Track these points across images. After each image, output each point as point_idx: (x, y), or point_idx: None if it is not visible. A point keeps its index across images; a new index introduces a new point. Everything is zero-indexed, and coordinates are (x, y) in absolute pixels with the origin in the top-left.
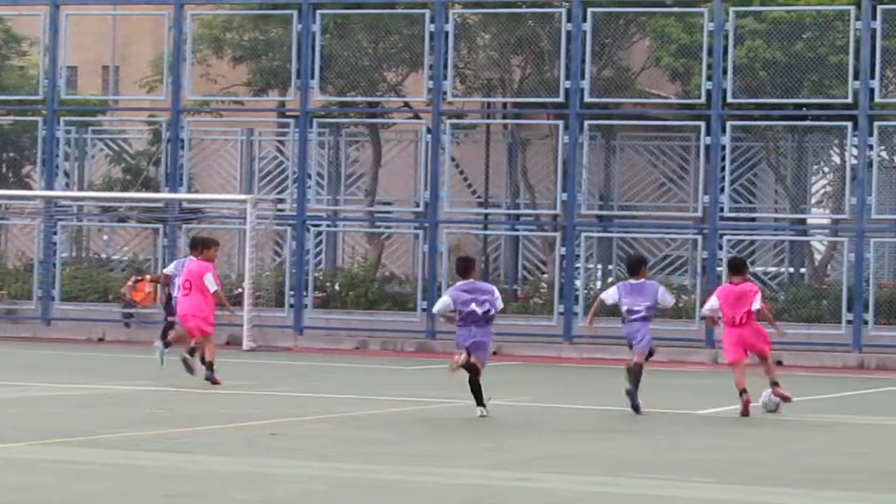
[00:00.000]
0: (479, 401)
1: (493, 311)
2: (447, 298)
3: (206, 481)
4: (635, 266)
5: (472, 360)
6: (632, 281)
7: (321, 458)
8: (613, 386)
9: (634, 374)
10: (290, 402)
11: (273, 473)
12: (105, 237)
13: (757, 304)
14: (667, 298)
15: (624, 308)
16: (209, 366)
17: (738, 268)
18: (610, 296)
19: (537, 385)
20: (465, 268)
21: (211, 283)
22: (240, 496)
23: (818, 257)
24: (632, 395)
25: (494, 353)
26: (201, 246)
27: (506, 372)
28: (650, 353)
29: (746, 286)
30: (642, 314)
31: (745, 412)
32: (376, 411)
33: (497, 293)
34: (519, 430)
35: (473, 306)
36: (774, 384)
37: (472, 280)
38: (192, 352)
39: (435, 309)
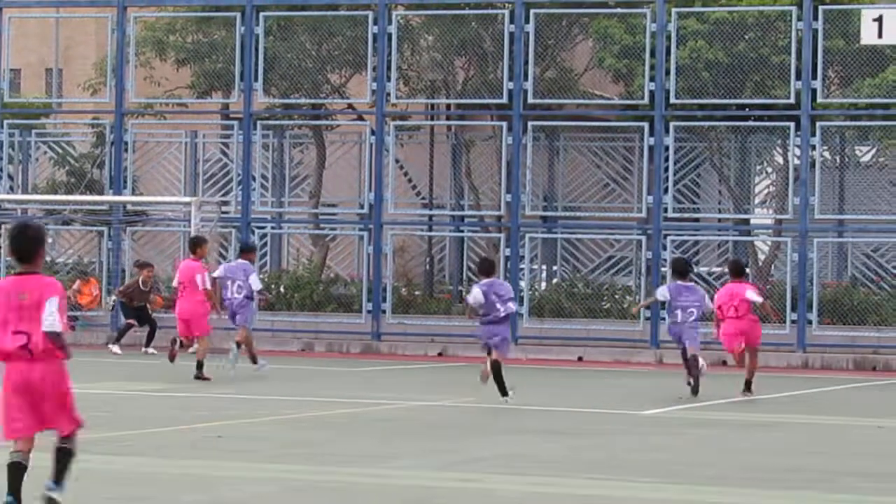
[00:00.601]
0: (503, 391)
1: (512, 312)
2: (479, 292)
3: (153, 484)
4: (683, 268)
5: (495, 355)
6: (680, 282)
7: (269, 460)
8: (557, 387)
9: (694, 367)
10: (236, 404)
11: (220, 476)
12: (49, 240)
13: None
14: (710, 304)
15: (677, 308)
16: (199, 365)
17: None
18: (662, 293)
19: (482, 386)
20: (488, 268)
21: (199, 282)
22: (187, 498)
23: (762, 257)
24: (696, 379)
25: (439, 354)
26: (193, 245)
27: (451, 373)
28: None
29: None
30: (694, 315)
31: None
32: (323, 413)
33: (512, 294)
34: (465, 432)
35: (498, 306)
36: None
37: (493, 279)
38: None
39: (470, 299)
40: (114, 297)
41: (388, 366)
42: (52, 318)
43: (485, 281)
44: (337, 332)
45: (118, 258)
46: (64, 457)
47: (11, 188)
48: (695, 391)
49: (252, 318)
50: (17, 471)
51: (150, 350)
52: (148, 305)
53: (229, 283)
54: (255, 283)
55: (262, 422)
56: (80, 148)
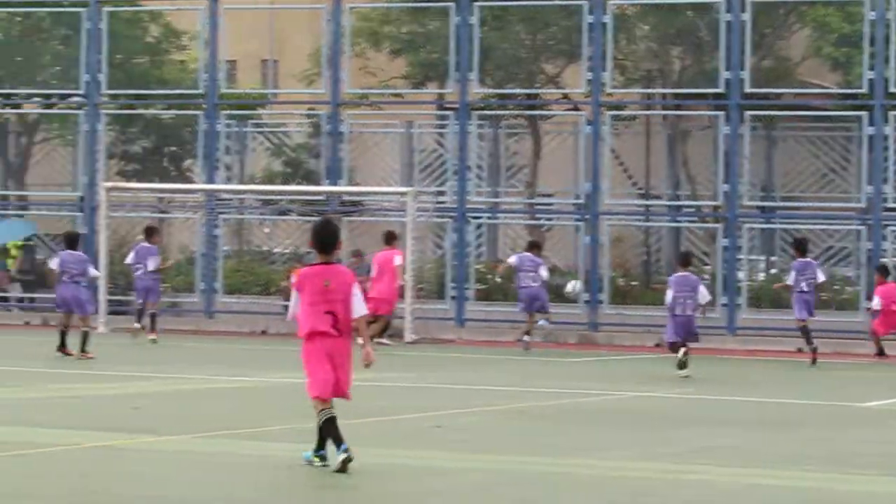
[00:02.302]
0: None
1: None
2: (671, 295)
3: (367, 474)
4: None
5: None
6: None
7: (482, 451)
8: (776, 378)
9: None
10: (451, 394)
11: (433, 466)
12: (266, 230)
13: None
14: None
15: None
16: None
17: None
18: None
19: (699, 377)
20: (684, 260)
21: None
22: (397, 488)
23: None
24: None
25: (656, 346)
26: (389, 238)
27: (667, 364)
28: None
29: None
30: None
31: None
32: (537, 403)
33: (702, 288)
34: (679, 423)
35: (680, 302)
36: None
37: (684, 275)
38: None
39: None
40: None
41: (605, 356)
42: (360, 304)
43: (677, 275)
44: (553, 323)
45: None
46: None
47: (228, 178)
48: None
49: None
50: (334, 422)
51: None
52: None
53: (521, 273)
54: (544, 273)
55: (476, 412)
56: (296, 138)
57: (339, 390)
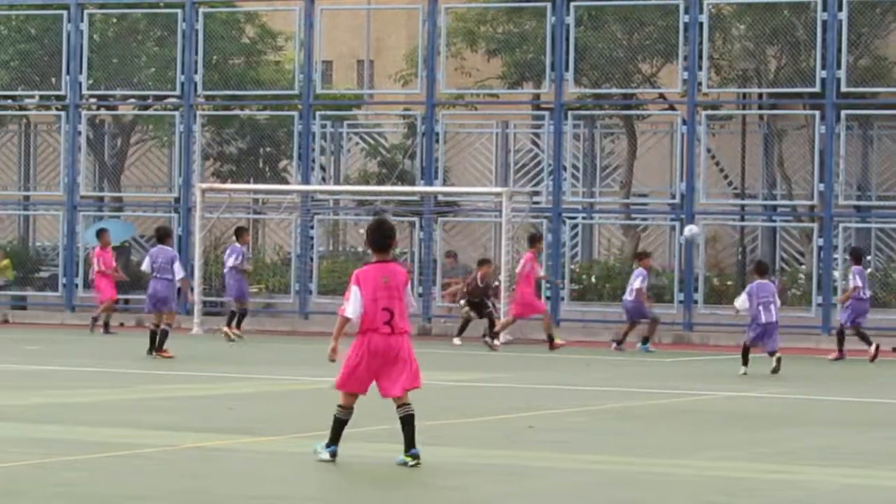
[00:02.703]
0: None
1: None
2: (744, 297)
3: (464, 474)
4: None
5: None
6: None
7: (580, 451)
8: (873, 378)
9: None
10: (545, 394)
11: (526, 466)
12: (361, 231)
13: None
14: None
15: None
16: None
17: None
18: None
19: (794, 377)
20: (762, 269)
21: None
22: (499, 489)
23: None
24: None
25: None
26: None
27: (763, 364)
28: None
29: None
30: None
31: None
32: (631, 403)
33: (772, 297)
34: (774, 423)
35: (760, 309)
36: None
37: (762, 282)
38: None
39: (737, 304)
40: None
41: (699, 356)
42: (412, 301)
43: (757, 283)
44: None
45: (430, 249)
46: (411, 420)
47: (324, 179)
48: None
49: None
50: (343, 425)
51: (495, 342)
52: (484, 300)
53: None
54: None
55: (572, 412)
56: (391, 139)
57: (387, 391)
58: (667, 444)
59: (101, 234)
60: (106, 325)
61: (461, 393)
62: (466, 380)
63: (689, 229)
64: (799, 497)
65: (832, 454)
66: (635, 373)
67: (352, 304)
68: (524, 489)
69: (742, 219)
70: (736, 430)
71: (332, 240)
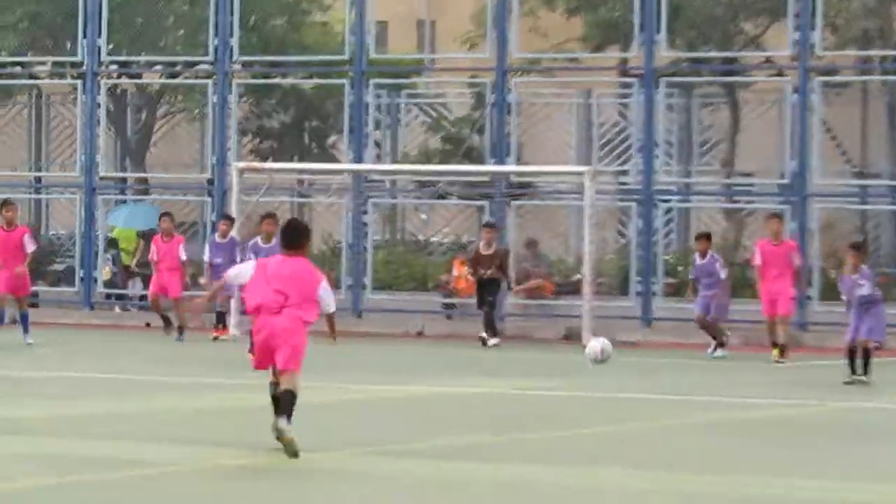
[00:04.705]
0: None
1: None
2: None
3: (528, 491)
4: None
5: (862, 339)
6: None
7: (670, 469)
8: None
9: None
10: (635, 404)
11: (613, 486)
12: (423, 216)
13: None
14: None
15: None
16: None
17: None
18: None
19: None
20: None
21: None
22: None
23: None
24: None
25: (876, 348)
26: None
27: (890, 370)
28: None
29: None
30: None
31: None
32: (734, 414)
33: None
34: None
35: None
36: None
37: (857, 264)
38: None
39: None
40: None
41: (812, 360)
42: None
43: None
44: (753, 322)
45: (504, 236)
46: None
47: (378, 157)
48: None
49: None
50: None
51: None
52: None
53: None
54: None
55: (658, 425)
56: (457, 110)
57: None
58: (775, 461)
59: (162, 218)
60: (180, 329)
61: (520, 401)
62: (555, 388)
63: (593, 346)
64: None
65: None
66: (740, 380)
67: (238, 269)
68: None
69: (863, 202)
70: (853, 444)
71: (389, 227)
